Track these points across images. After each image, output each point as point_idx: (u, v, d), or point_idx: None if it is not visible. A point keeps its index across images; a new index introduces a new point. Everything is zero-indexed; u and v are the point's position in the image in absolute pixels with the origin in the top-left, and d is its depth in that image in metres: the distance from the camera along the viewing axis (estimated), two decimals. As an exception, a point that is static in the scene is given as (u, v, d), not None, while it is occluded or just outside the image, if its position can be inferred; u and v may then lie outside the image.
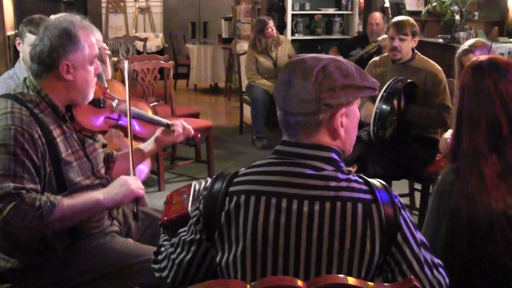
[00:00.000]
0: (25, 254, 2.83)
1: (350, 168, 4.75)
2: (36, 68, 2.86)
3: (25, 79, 2.92)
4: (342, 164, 2.12)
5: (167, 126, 3.46)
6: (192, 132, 3.52)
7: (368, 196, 2.04)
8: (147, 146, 3.47)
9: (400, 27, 5.38)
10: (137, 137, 3.40)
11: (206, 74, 13.38)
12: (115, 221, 3.22)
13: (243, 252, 2.06)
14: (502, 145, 2.49)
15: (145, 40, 11.93)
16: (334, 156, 2.10)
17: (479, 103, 2.53)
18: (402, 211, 2.09)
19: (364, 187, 2.07)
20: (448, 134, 4.72)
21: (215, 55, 13.37)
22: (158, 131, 3.48)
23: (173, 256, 2.30)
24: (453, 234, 2.53)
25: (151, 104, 5.86)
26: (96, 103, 3.11)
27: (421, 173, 5.31)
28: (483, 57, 2.66)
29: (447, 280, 2.18)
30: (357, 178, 2.09)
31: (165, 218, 2.65)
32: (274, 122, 9.20)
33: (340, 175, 2.06)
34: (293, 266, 2.04)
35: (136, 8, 14.22)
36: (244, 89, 9.31)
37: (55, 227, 2.74)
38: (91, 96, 3.01)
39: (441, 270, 2.18)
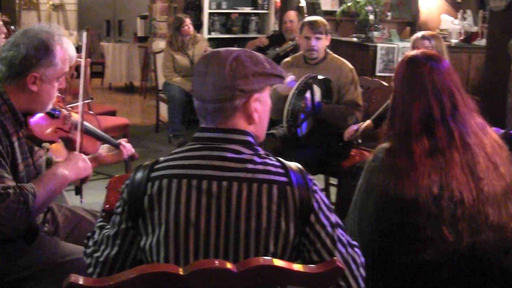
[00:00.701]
0: None
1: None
2: (4, 70, 2.79)
3: None
4: (259, 148, 2.23)
5: (116, 146, 3.47)
6: (133, 150, 3.54)
7: (283, 179, 2.14)
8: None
9: (315, 26, 5.45)
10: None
11: (121, 73, 13.30)
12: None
13: (166, 234, 2.12)
14: (433, 126, 2.65)
15: (59, 37, 11.77)
16: (251, 139, 2.22)
17: (413, 89, 2.71)
18: (316, 194, 2.20)
19: (280, 170, 2.17)
20: (355, 126, 5.05)
21: (131, 53, 13.30)
22: (104, 149, 3.48)
23: (96, 255, 2.31)
24: (380, 207, 2.67)
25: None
26: (50, 113, 3.07)
27: (337, 168, 5.40)
28: (416, 51, 2.87)
29: (362, 259, 2.28)
30: (274, 161, 2.20)
31: (107, 206, 2.65)
32: (191, 120, 9.27)
33: (257, 159, 2.17)
34: (214, 246, 2.11)
35: (49, 5, 14.00)
36: (160, 87, 9.29)
37: (37, 214, 2.78)
38: (49, 108, 2.99)
39: (356, 249, 2.27)
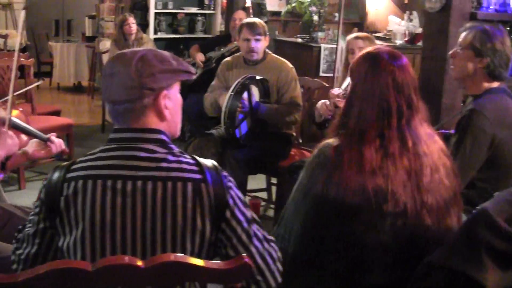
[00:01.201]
0: None
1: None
2: None
3: None
4: (173, 146, 2.26)
5: (44, 141, 3.46)
6: (63, 146, 3.53)
7: (198, 176, 2.18)
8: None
9: (254, 28, 5.49)
10: None
11: (69, 73, 13.19)
12: None
13: (82, 234, 2.14)
14: (388, 131, 2.56)
15: (5, 37, 11.71)
16: (164, 137, 2.25)
17: (374, 89, 2.60)
18: (231, 190, 2.24)
19: (194, 167, 2.21)
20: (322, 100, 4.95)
21: (79, 53, 13.20)
22: (32, 144, 3.47)
23: (19, 252, 2.34)
24: (319, 206, 2.59)
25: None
26: None
27: (276, 168, 5.45)
28: (379, 47, 2.76)
29: (279, 254, 2.33)
30: (189, 159, 2.23)
31: None
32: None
33: (170, 157, 2.20)
34: (131, 245, 2.14)
35: (-3, 4, 13.89)
36: (106, 87, 9.20)
37: None
38: None
39: (272, 244, 2.32)
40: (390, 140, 2.55)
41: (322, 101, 4.96)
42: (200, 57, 8.17)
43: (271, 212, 6.07)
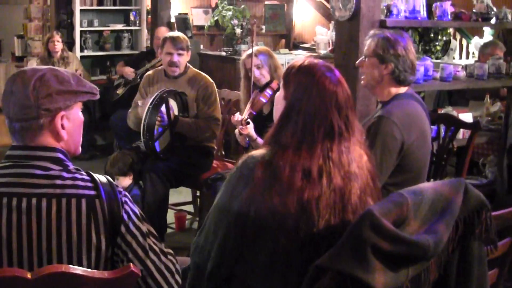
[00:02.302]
0: None
1: (129, 179, 4.88)
2: None
3: None
4: (69, 163, 2.30)
5: None
6: None
7: (92, 192, 2.23)
8: None
9: (176, 42, 5.55)
10: None
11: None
12: None
13: None
14: (328, 148, 2.48)
15: None
16: (60, 155, 2.28)
17: (314, 103, 2.51)
18: (126, 205, 2.29)
19: (89, 184, 2.25)
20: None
21: (9, 73, 12.97)
22: None
23: None
24: (240, 222, 2.48)
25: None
26: None
27: (198, 180, 5.51)
28: (315, 60, 2.64)
29: (177, 266, 2.39)
30: (84, 176, 2.27)
31: None
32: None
33: (65, 174, 2.23)
34: (27, 261, 2.16)
35: None
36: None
37: None
38: None
39: (170, 257, 2.38)
40: (330, 157, 2.48)
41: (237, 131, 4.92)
42: (127, 70, 8.21)
43: (197, 225, 6.12)
